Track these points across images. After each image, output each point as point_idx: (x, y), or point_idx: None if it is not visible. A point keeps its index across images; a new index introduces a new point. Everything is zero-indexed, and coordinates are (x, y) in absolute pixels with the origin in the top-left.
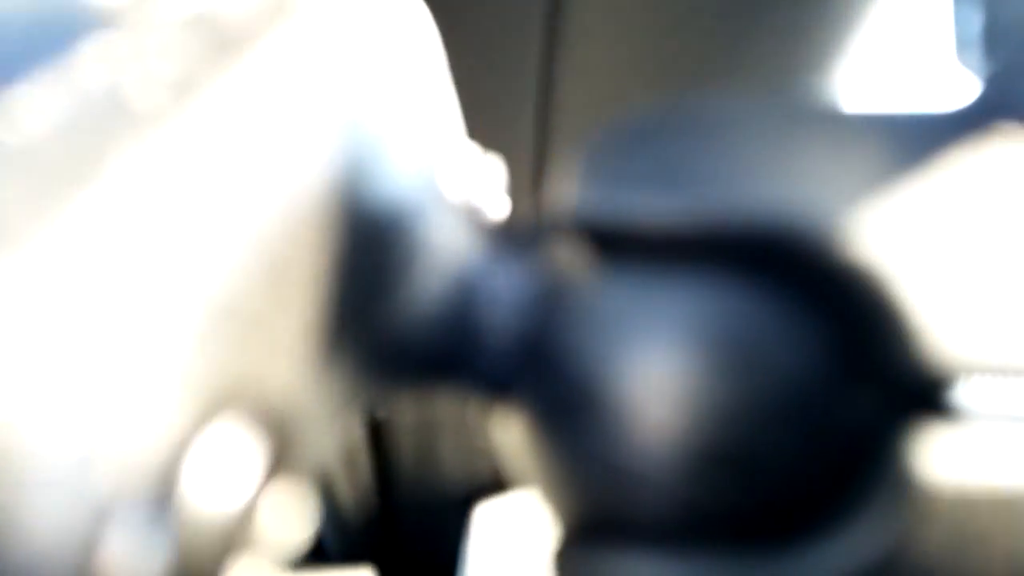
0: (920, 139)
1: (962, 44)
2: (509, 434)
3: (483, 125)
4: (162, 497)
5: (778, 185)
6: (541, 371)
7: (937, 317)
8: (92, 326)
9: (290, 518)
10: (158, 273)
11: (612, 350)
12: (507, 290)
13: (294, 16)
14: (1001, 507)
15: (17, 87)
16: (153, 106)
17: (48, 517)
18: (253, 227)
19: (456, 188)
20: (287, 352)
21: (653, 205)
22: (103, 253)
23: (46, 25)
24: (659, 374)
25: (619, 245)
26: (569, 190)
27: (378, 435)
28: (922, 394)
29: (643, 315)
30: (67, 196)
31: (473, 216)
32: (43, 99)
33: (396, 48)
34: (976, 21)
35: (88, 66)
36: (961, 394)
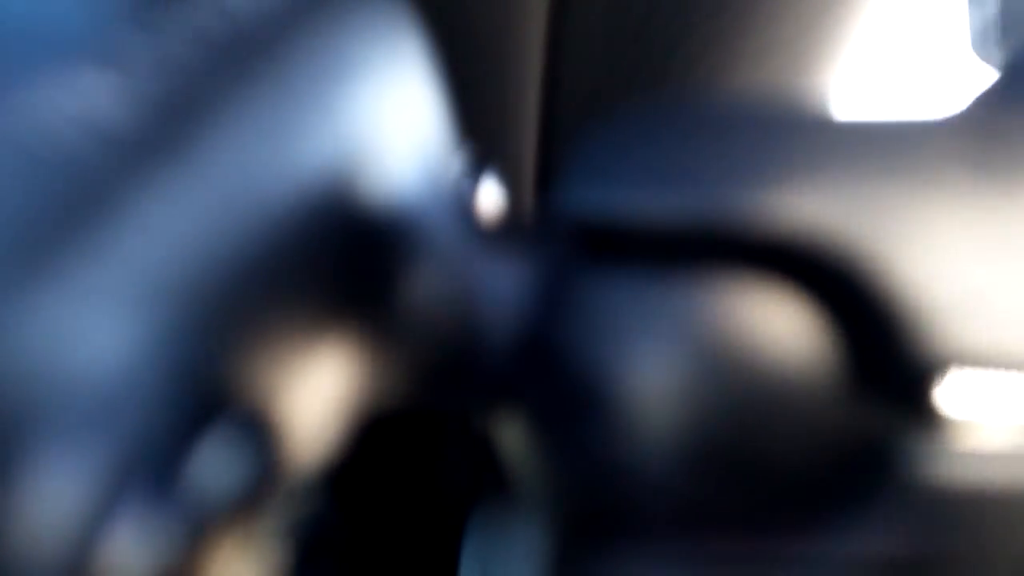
0: (920, 139)
1: (977, 35)
2: (509, 434)
3: (484, 125)
4: (163, 495)
5: (778, 185)
6: (541, 371)
7: (938, 317)
8: (93, 327)
9: (287, 519)
10: (159, 273)
11: (612, 350)
12: (507, 290)
13: (294, 19)
14: (1002, 507)
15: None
16: (156, 103)
17: (50, 514)
18: (253, 227)
19: (457, 189)
20: (288, 352)
21: (653, 205)
22: (106, 251)
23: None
24: (659, 374)
25: (619, 245)
26: (569, 190)
27: (378, 435)
28: (923, 394)
29: (643, 315)
30: (77, 199)
31: (473, 216)
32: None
33: (390, 51)
34: (988, 14)
35: (95, 69)
36: (961, 394)
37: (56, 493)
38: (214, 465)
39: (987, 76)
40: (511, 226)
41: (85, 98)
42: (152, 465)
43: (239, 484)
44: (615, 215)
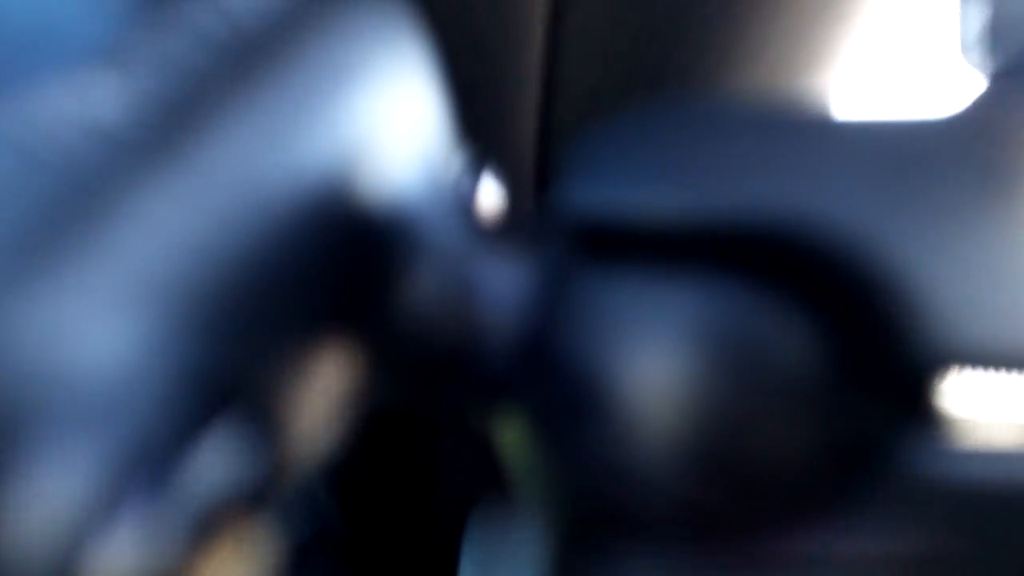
0: (919, 139)
1: (966, 42)
2: (509, 434)
3: (483, 125)
4: (163, 493)
5: (778, 185)
6: (541, 371)
7: (938, 316)
8: (94, 326)
9: (287, 517)
10: (159, 272)
11: (612, 350)
12: (507, 290)
13: (294, 19)
14: (1002, 506)
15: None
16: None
17: (50, 513)
18: (254, 227)
19: (456, 188)
20: (288, 351)
21: (653, 204)
22: (106, 251)
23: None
24: (659, 374)
25: (618, 244)
26: (568, 189)
27: (379, 435)
28: (922, 393)
29: (643, 315)
30: (78, 201)
31: (473, 216)
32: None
33: (390, 51)
34: (980, 19)
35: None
36: (961, 393)
37: (56, 492)
38: (215, 463)
39: (986, 77)
40: (511, 226)
41: (86, 99)
42: (153, 463)
43: (240, 482)
44: (614, 214)
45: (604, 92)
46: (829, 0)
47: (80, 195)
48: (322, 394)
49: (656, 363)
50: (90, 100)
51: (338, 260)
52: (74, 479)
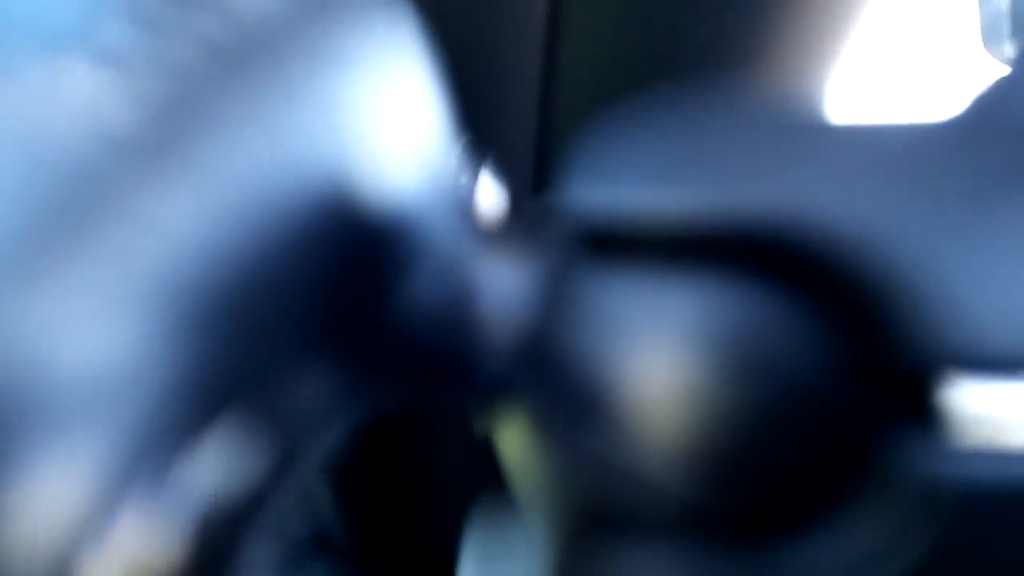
0: (922, 140)
1: (987, 28)
2: (509, 434)
3: (483, 125)
4: (164, 491)
5: (780, 184)
6: (541, 371)
7: (938, 316)
8: (95, 324)
9: (288, 516)
10: (160, 271)
11: (613, 349)
12: (507, 290)
13: (294, 19)
14: (1001, 505)
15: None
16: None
17: (52, 509)
18: (255, 227)
19: (456, 188)
20: (288, 351)
21: (653, 204)
22: (108, 249)
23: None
24: (660, 374)
25: (619, 245)
26: (570, 188)
27: (379, 434)
28: (922, 393)
29: (644, 315)
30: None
31: (473, 216)
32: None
33: (391, 51)
34: (1001, 5)
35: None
36: (961, 393)
37: (56, 490)
38: (215, 463)
39: (989, 75)
40: (511, 225)
41: (87, 98)
42: (152, 462)
43: (239, 482)
44: (616, 214)
45: (604, 92)
46: (830, 0)
47: (83, 195)
48: (323, 393)
49: (657, 363)
50: (91, 99)
51: (338, 260)
52: (74, 478)
